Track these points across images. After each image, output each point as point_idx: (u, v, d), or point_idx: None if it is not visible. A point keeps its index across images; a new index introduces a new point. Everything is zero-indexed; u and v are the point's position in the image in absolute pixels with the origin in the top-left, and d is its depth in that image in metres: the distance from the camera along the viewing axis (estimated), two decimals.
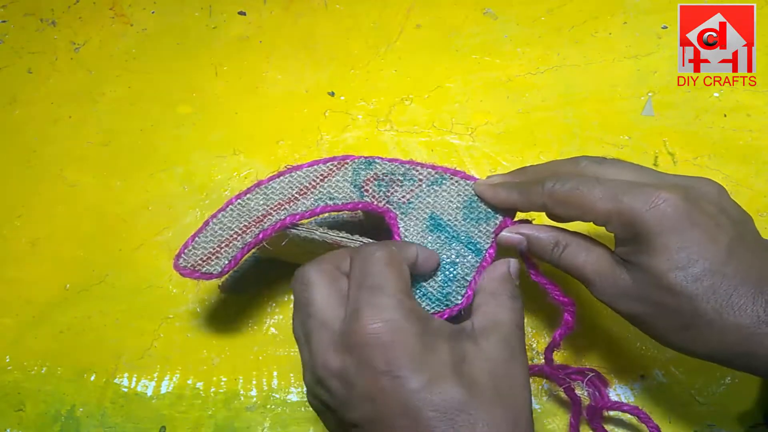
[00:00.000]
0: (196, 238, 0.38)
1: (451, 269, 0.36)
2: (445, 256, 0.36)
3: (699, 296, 0.29)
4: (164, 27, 0.60)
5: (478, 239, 0.37)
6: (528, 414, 0.28)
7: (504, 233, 0.36)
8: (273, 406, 0.42)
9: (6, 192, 0.52)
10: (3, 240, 0.50)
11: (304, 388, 0.42)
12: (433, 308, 0.35)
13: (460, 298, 0.35)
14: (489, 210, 0.37)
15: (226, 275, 0.40)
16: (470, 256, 0.36)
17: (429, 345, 0.28)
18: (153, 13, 0.61)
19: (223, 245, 0.38)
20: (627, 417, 0.39)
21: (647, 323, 0.32)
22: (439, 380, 0.27)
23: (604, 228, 0.33)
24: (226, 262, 0.38)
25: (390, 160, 0.39)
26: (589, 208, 0.32)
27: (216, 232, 0.38)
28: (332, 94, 0.55)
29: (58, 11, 0.62)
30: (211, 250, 0.38)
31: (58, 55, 0.59)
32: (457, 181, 0.38)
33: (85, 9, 0.62)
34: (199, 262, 0.38)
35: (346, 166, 0.39)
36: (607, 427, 0.39)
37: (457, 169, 0.39)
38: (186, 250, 0.38)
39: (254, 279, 0.46)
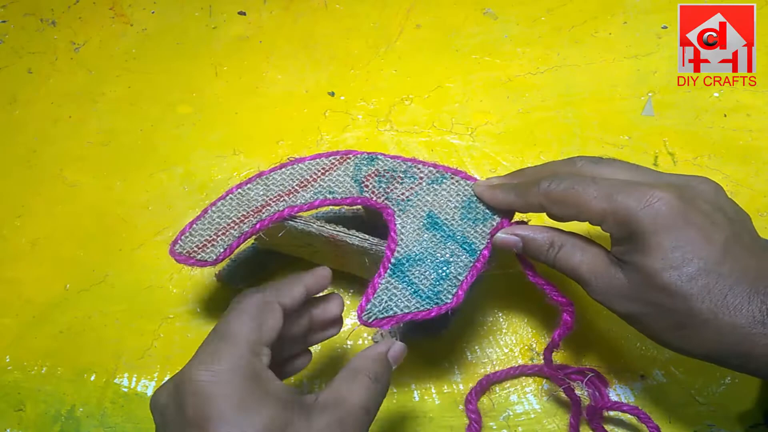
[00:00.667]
0: (194, 225, 0.38)
1: (444, 268, 0.36)
2: (439, 254, 0.36)
3: (694, 296, 0.29)
4: (164, 27, 0.60)
5: (473, 239, 0.37)
6: None
7: (499, 234, 0.36)
8: None
9: (6, 192, 0.52)
10: (3, 240, 0.50)
11: (304, 388, 0.42)
12: (423, 306, 0.35)
13: (450, 297, 0.35)
14: (487, 211, 0.37)
15: (222, 263, 0.40)
16: (464, 256, 0.36)
17: (249, 408, 0.26)
18: (153, 13, 0.61)
19: (219, 233, 0.38)
20: (627, 417, 0.39)
21: (643, 323, 0.32)
22: None
23: (600, 228, 0.33)
24: (222, 250, 0.38)
25: (393, 157, 0.39)
26: (584, 207, 0.32)
27: (214, 220, 0.38)
28: (332, 94, 0.55)
29: (58, 11, 0.62)
30: (208, 237, 0.38)
31: (58, 55, 0.59)
32: (457, 181, 0.38)
33: (85, 9, 0.62)
34: (195, 249, 0.38)
35: (348, 160, 0.39)
36: (607, 427, 0.39)
37: (459, 169, 0.39)
38: (183, 237, 0.38)
39: (251, 271, 0.46)
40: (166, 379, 0.35)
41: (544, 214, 0.35)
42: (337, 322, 0.37)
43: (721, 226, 0.30)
